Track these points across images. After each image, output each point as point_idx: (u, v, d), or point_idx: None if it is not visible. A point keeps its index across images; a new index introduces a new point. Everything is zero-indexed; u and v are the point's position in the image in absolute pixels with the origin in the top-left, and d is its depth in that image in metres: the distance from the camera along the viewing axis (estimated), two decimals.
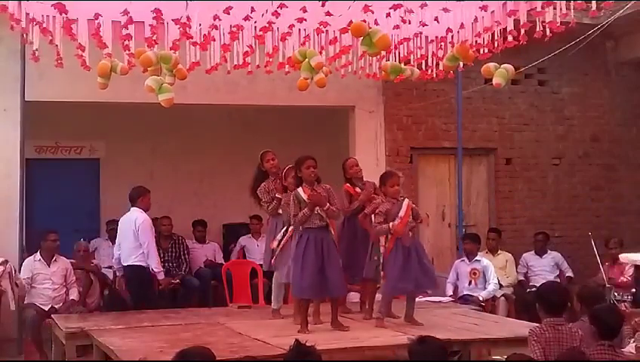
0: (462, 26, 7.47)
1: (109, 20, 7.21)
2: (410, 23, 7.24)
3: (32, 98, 9.14)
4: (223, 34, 7.61)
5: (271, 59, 8.17)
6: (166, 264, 9.45)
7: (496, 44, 7.56)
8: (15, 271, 8.48)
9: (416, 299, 7.45)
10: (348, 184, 7.65)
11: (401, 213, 6.93)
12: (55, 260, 8.62)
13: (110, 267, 9.71)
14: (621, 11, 8.78)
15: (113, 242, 10.06)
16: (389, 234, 6.90)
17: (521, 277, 10.38)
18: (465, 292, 9.48)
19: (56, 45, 7.48)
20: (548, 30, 6.95)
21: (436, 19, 7.31)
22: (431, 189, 11.31)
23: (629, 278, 9.55)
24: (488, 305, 9.25)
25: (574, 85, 11.90)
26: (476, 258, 9.63)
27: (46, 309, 8.35)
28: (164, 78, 6.57)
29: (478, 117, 11.40)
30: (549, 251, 10.61)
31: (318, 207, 6.75)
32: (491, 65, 7.26)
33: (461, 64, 7.89)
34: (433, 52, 8.23)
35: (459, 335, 6.52)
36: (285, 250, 7.29)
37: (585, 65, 11.69)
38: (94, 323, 7.26)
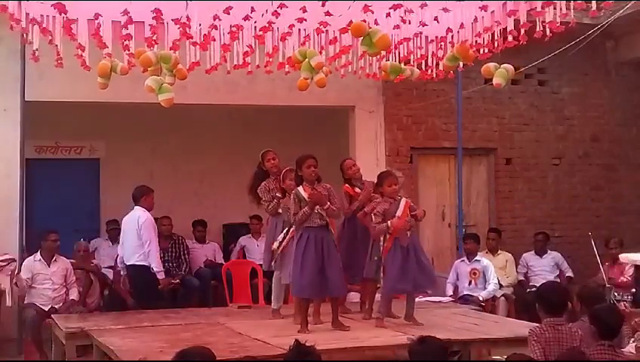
0: (462, 25, 7.47)
1: (109, 20, 7.21)
2: (410, 23, 7.23)
3: (32, 98, 9.13)
4: (223, 34, 7.61)
5: (271, 59, 8.17)
6: (166, 264, 9.44)
7: (496, 44, 7.56)
8: (15, 270, 8.48)
9: (417, 299, 7.46)
10: (347, 185, 7.65)
11: (399, 213, 6.94)
12: (55, 260, 8.61)
13: (110, 267, 9.74)
14: (621, 11, 8.77)
15: (113, 242, 10.12)
16: (387, 234, 6.91)
17: (521, 277, 10.37)
18: (465, 293, 9.48)
19: (56, 45, 7.48)
20: (548, 30, 6.95)
21: (436, 19, 7.30)
22: (431, 189, 11.31)
23: (629, 278, 9.54)
24: (488, 305, 9.25)
25: (574, 85, 11.89)
26: (476, 258, 9.64)
27: (46, 309, 8.34)
28: (164, 78, 6.56)
29: (478, 117, 11.40)
30: (549, 251, 10.60)
31: (318, 206, 6.76)
32: (491, 65, 7.26)
33: (461, 64, 7.89)
34: (433, 52, 8.23)
35: (459, 335, 6.51)
36: (287, 252, 7.28)
37: (585, 65, 11.68)
38: (94, 323, 7.26)
